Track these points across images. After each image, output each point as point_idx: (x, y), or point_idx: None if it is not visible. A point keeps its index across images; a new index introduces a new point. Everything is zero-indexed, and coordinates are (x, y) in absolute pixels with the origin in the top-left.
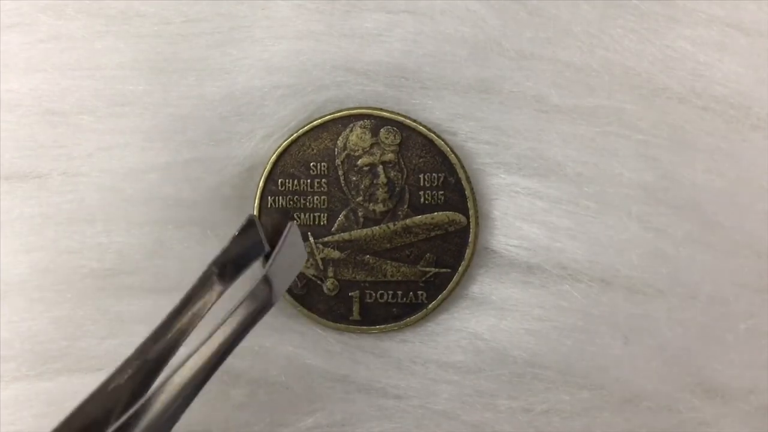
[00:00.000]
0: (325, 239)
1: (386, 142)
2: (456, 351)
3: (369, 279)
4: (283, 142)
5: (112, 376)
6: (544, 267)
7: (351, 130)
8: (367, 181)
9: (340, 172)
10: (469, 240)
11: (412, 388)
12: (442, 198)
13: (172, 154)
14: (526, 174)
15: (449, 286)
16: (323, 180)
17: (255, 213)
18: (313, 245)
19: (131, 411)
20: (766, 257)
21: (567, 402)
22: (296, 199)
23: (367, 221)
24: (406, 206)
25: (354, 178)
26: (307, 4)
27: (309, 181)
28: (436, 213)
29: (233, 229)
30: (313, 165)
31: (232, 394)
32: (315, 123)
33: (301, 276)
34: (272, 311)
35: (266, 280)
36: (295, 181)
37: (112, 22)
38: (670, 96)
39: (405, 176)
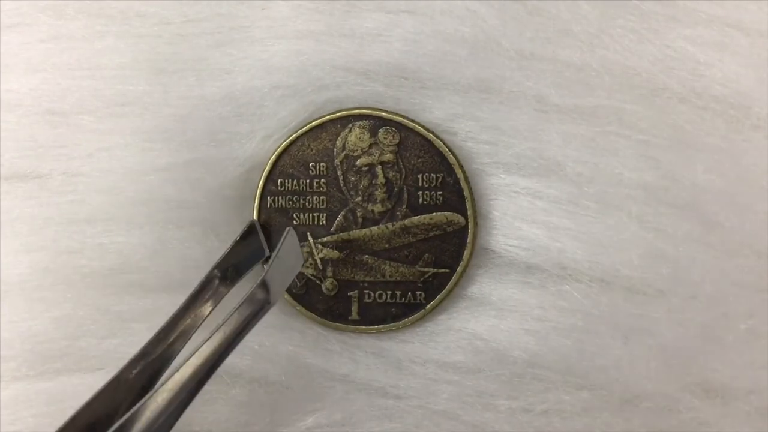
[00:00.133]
0: (324, 239)
1: (385, 142)
2: (455, 351)
3: (368, 279)
4: (283, 142)
5: (117, 376)
6: (544, 267)
7: (350, 131)
8: (365, 182)
9: (339, 173)
10: (468, 240)
11: (411, 388)
12: (441, 198)
13: (172, 155)
14: (525, 174)
15: (448, 287)
16: (322, 180)
17: (255, 213)
18: (312, 245)
19: (131, 411)
20: (766, 257)
21: (567, 402)
22: (295, 199)
23: (366, 221)
24: (404, 206)
25: (353, 179)
26: (306, 4)
27: (308, 181)
28: (434, 213)
29: (234, 229)
30: (312, 165)
31: (232, 394)
32: (314, 123)
33: (301, 276)
34: (272, 309)
35: (264, 284)
36: (295, 182)
37: (112, 22)
38: (670, 96)
39: (404, 176)
